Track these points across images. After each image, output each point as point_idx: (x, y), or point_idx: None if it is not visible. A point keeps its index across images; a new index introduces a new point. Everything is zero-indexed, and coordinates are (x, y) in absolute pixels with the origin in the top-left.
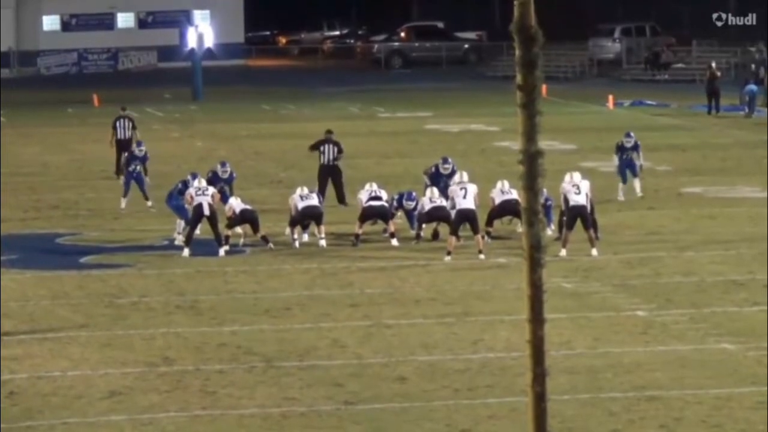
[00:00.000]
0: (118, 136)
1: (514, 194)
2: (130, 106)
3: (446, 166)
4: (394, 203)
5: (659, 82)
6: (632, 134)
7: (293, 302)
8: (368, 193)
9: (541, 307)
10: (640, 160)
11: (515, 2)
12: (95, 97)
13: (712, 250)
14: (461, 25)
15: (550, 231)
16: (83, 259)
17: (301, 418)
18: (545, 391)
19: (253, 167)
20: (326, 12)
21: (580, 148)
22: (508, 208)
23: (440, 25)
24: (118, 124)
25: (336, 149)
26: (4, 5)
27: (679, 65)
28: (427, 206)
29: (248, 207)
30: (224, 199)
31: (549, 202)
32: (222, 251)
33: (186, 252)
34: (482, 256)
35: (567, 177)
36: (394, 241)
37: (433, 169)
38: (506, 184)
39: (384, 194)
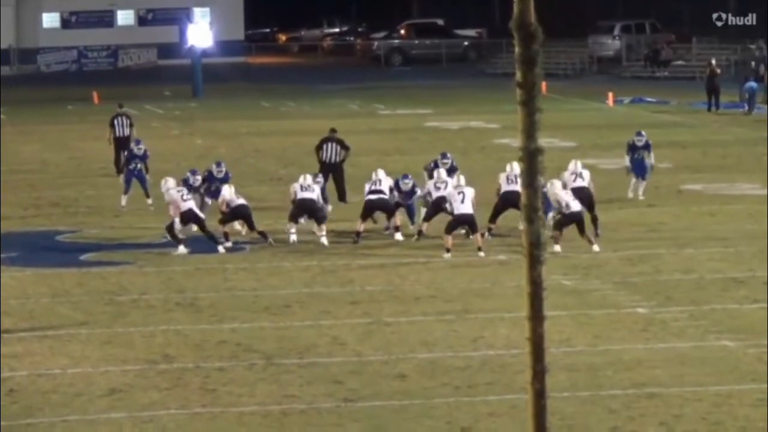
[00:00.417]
0: (117, 134)
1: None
2: (130, 103)
3: (445, 161)
4: (394, 193)
5: (659, 79)
6: (643, 133)
7: (293, 299)
8: (370, 184)
9: (541, 305)
10: (651, 160)
11: None
12: (95, 95)
13: (712, 248)
14: (461, 22)
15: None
16: (83, 257)
17: (301, 416)
18: (545, 389)
19: (253, 164)
20: (326, 9)
21: (580, 146)
22: (510, 201)
23: (440, 22)
24: (116, 121)
25: (339, 147)
26: (4, 3)
27: (679, 62)
28: (434, 193)
29: (242, 202)
30: (213, 196)
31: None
32: (221, 248)
33: (182, 249)
34: (482, 254)
35: (571, 165)
36: (398, 236)
37: (432, 165)
38: (515, 167)
39: (386, 185)
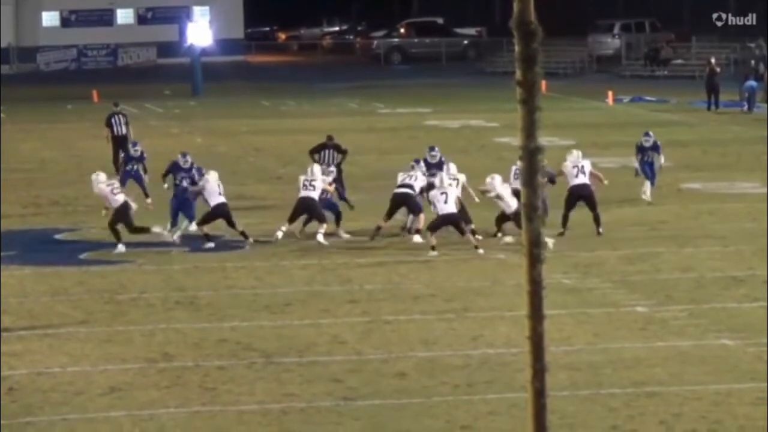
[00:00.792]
0: (114, 133)
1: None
2: (130, 102)
3: (433, 153)
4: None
5: (659, 78)
6: (651, 133)
7: (293, 298)
8: (404, 177)
9: (541, 303)
10: (661, 161)
11: None
12: (95, 93)
13: (711, 246)
14: (461, 21)
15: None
16: (83, 255)
17: (301, 414)
18: (545, 387)
19: (253, 163)
20: (326, 8)
21: (580, 144)
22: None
23: (440, 21)
24: (112, 120)
25: (336, 153)
26: (3, 1)
27: (679, 61)
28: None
29: (223, 200)
30: (183, 194)
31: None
32: (121, 247)
33: (120, 248)
34: (481, 251)
35: (573, 157)
36: (417, 238)
37: (421, 162)
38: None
39: (419, 184)
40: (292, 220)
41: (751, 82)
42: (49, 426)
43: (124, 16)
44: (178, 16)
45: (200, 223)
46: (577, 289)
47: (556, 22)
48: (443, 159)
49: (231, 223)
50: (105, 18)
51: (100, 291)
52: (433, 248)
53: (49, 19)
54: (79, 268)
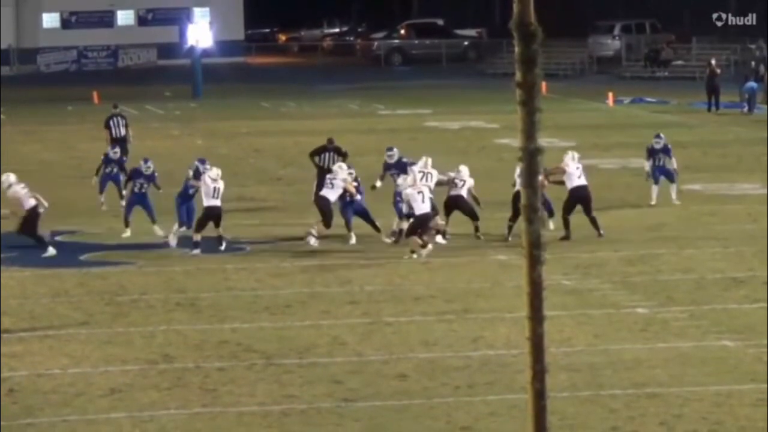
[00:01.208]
0: (113, 134)
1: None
2: (130, 103)
3: (390, 153)
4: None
5: (659, 79)
6: (662, 135)
7: (293, 300)
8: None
9: (541, 305)
10: (673, 164)
11: None
12: (95, 95)
13: (712, 247)
14: (461, 22)
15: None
16: (83, 257)
17: (301, 416)
18: (545, 389)
19: (253, 165)
20: (326, 9)
21: (580, 145)
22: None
23: (440, 22)
24: (111, 122)
25: (336, 155)
26: (3, 3)
27: (679, 62)
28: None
29: (217, 203)
30: (139, 198)
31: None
32: (51, 250)
33: (51, 251)
34: (423, 252)
35: (572, 160)
36: (439, 239)
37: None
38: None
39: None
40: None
41: (752, 84)
42: (50, 427)
43: (125, 17)
44: (179, 17)
45: (197, 229)
46: (578, 290)
47: (556, 23)
48: (404, 159)
49: (217, 224)
50: (105, 19)
51: (100, 292)
52: (413, 252)
53: (50, 20)
54: (80, 270)
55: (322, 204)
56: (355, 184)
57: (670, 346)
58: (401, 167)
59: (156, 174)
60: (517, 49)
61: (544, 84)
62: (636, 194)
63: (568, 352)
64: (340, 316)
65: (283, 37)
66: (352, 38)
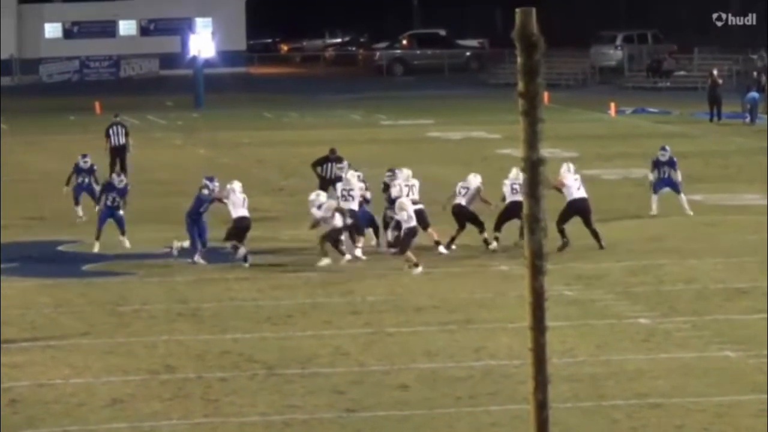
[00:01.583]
0: (112, 143)
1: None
2: (132, 113)
3: (340, 166)
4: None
5: (661, 89)
6: (667, 147)
7: (295, 310)
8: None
9: (543, 315)
10: (678, 177)
11: (517, 9)
12: (97, 105)
13: (714, 258)
14: (463, 32)
15: None
16: (85, 267)
17: (303, 426)
18: (547, 399)
19: (255, 175)
20: (328, 20)
21: (582, 156)
22: (514, 211)
23: (442, 32)
24: (111, 131)
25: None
26: (6, 13)
27: (681, 73)
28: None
29: (247, 213)
30: (111, 212)
31: None
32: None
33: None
34: (419, 269)
35: (571, 168)
36: (494, 246)
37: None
38: (520, 175)
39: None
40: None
41: (754, 94)
42: None
43: (127, 27)
44: (181, 27)
45: (226, 239)
46: (580, 300)
47: (559, 33)
48: (347, 166)
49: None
50: (107, 29)
51: (102, 303)
52: (416, 265)
53: (52, 30)
54: (82, 280)
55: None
56: (368, 194)
57: (672, 356)
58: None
59: (128, 187)
60: (519, 60)
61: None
62: (638, 205)
63: (570, 363)
64: (342, 326)
65: (285, 48)
66: (354, 48)
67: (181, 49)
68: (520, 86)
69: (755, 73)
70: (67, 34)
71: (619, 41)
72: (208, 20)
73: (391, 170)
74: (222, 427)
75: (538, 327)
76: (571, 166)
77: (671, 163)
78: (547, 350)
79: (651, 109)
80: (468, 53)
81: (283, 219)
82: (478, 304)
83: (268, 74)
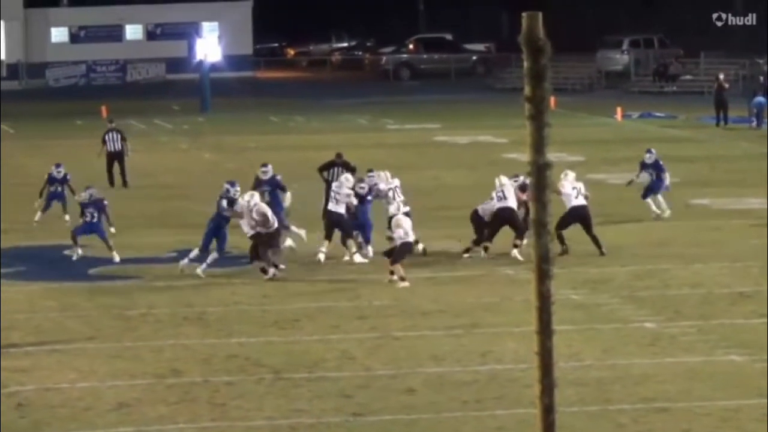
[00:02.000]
0: (109, 149)
1: (510, 202)
2: (139, 117)
3: (264, 170)
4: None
5: (667, 93)
6: (653, 150)
7: (301, 314)
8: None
9: (550, 319)
10: (666, 180)
11: (523, 14)
12: (104, 109)
13: (719, 262)
14: (469, 36)
15: None
16: (91, 271)
17: (310, 430)
18: (554, 403)
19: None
20: (335, 24)
21: (589, 160)
22: (504, 218)
23: (448, 37)
24: (107, 137)
25: (344, 171)
26: (12, 17)
27: (688, 77)
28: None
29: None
30: (92, 227)
31: None
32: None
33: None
34: (405, 283)
35: (570, 176)
36: (516, 253)
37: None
38: (506, 182)
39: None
40: (327, 236)
41: (760, 98)
42: None
43: (133, 31)
44: (187, 32)
45: (255, 257)
46: (586, 304)
47: (565, 38)
48: (276, 177)
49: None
50: (114, 34)
51: (108, 307)
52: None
53: (58, 34)
54: (88, 284)
55: (336, 219)
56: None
57: (677, 360)
58: (274, 184)
59: (105, 202)
60: (525, 64)
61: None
62: (643, 209)
63: (576, 367)
64: (348, 330)
65: (291, 52)
66: (360, 53)
67: (188, 54)
68: (527, 90)
69: (762, 78)
70: (74, 38)
71: (625, 46)
72: (215, 24)
73: (265, 164)
74: (228, 431)
75: (545, 331)
76: (571, 173)
77: (656, 166)
78: (553, 354)
79: (657, 114)
80: (474, 57)
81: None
82: (484, 309)
83: (274, 78)
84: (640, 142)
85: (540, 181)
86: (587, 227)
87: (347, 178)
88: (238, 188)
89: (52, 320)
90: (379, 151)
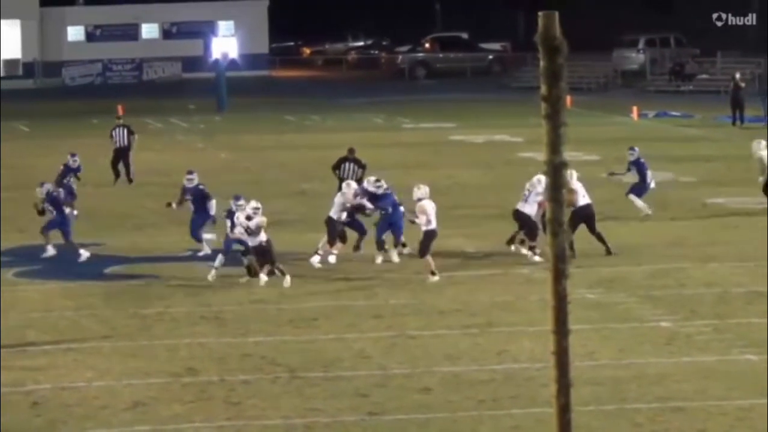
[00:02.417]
0: (116, 145)
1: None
2: (155, 116)
3: (190, 177)
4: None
5: (684, 93)
6: (635, 149)
7: (318, 313)
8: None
9: (566, 318)
10: (646, 178)
11: (540, 13)
12: (120, 108)
13: (735, 261)
14: (485, 35)
15: None
16: (107, 270)
17: (326, 429)
18: (570, 402)
19: (277, 178)
20: (350, 23)
21: (604, 159)
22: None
23: (464, 35)
24: (114, 132)
25: (356, 166)
26: (28, 16)
27: (704, 76)
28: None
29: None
30: (54, 225)
31: None
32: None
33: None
34: (436, 278)
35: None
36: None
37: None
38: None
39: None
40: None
41: None
42: None
43: (149, 30)
44: (203, 30)
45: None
46: (602, 304)
47: (581, 36)
48: (202, 187)
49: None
50: (130, 32)
51: (124, 306)
52: (433, 273)
53: (74, 33)
54: (104, 283)
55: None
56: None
57: (693, 359)
58: (198, 193)
59: (60, 195)
60: (542, 63)
61: (568, 98)
62: (660, 208)
63: (592, 366)
64: (364, 329)
65: (307, 51)
66: (376, 52)
67: (204, 53)
68: (543, 89)
69: None
70: (90, 37)
71: (641, 45)
72: (231, 23)
73: (191, 172)
74: (244, 430)
75: (561, 330)
76: (575, 173)
77: (636, 163)
78: (569, 353)
79: (673, 113)
80: (490, 56)
81: (304, 222)
82: (500, 308)
83: (290, 77)
84: (656, 142)
85: (556, 180)
86: (591, 227)
87: (349, 185)
88: (242, 201)
89: (68, 319)
90: (395, 150)
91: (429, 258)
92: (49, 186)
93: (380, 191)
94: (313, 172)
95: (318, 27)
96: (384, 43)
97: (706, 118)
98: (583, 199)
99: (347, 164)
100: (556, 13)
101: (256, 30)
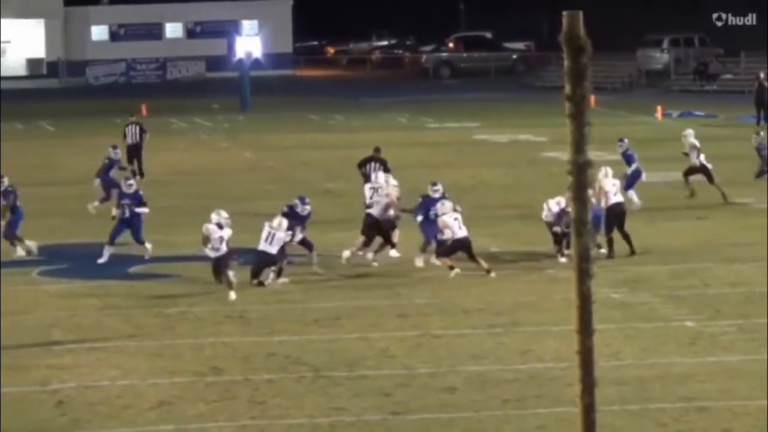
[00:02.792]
0: (129, 142)
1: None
2: (179, 116)
3: (129, 183)
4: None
5: (708, 92)
6: (624, 140)
7: (342, 312)
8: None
9: (590, 318)
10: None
11: (564, 13)
12: (144, 107)
13: (760, 261)
14: (509, 35)
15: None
16: (131, 269)
17: (350, 428)
18: (594, 402)
19: (301, 178)
20: (374, 22)
21: None
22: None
23: (488, 35)
24: (127, 130)
25: (382, 167)
26: (52, 16)
27: (728, 76)
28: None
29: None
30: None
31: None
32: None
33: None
34: (492, 274)
35: (609, 172)
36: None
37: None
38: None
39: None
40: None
41: None
42: None
43: (173, 30)
44: (227, 30)
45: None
46: (626, 303)
47: (605, 36)
48: (140, 192)
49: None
50: (154, 32)
51: (148, 305)
52: (451, 267)
53: (98, 33)
54: (128, 282)
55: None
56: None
57: (718, 359)
58: (136, 198)
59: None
60: (566, 63)
61: (593, 97)
62: (685, 208)
63: (616, 366)
64: (388, 328)
65: (331, 50)
66: (400, 51)
67: (228, 52)
68: (567, 89)
69: None
70: (114, 36)
71: (665, 44)
72: (255, 23)
73: (129, 178)
74: (268, 429)
75: (585, 330)
76: (609, 170)
77: (625, 156)
78: (594, 353)
79: (697, 113)
80: (514, 56)
81: (328, 221)
82: (525, 307)
83: (314, 77)
84: (680, 141)
85: (580, 179)
86: (620, 225)
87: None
88: (308, 206)
89: (93, 318)
90: (419, 149)
91: (444, 258)
92: (5, 179)
93: (437, 195)
94: (338, 171)
95: (342, 26)
96: (408, 42)
97: (730, 117)
98: (615, 197)
99: (373, 163)
100: (581, 13)
101: (280, 29)
